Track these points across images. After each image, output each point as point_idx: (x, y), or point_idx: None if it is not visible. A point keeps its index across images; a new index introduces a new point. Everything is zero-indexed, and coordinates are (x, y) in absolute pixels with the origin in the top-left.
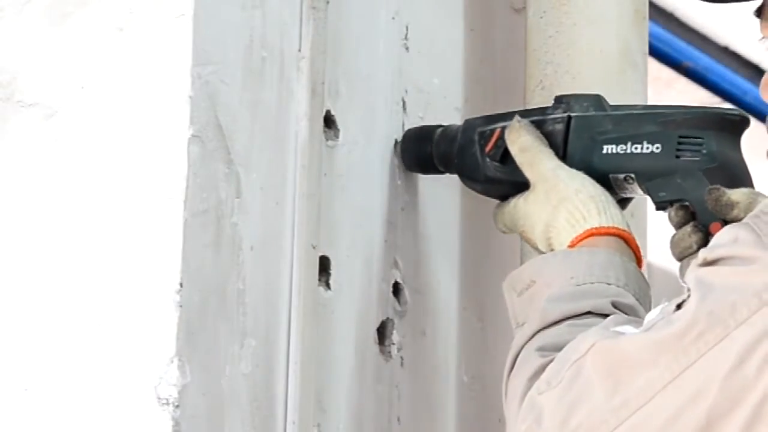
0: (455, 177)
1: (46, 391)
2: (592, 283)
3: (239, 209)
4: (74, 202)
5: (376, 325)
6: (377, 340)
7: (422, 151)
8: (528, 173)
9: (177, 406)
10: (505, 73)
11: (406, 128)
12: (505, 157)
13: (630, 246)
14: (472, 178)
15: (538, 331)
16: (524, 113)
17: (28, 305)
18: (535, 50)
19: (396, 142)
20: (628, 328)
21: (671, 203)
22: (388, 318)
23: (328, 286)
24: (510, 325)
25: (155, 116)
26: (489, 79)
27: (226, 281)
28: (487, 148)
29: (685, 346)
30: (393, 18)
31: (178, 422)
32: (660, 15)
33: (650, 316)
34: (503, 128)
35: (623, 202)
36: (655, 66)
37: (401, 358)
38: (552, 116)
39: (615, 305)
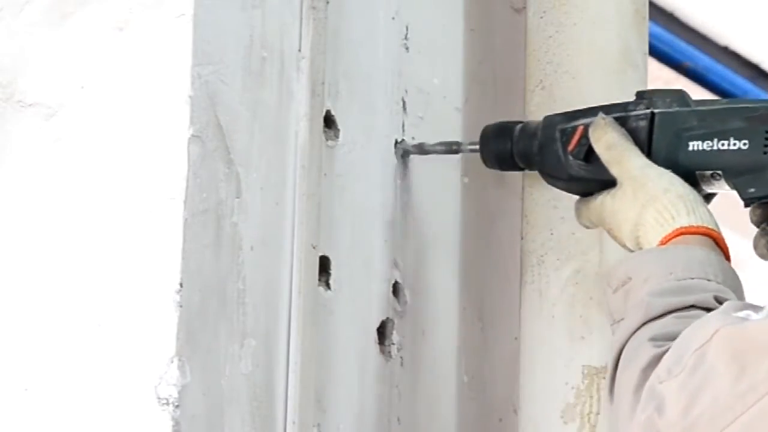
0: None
1: (46, 391)
2: (692, 278)
3: (239, 209)
4: (74, 202)
5: (376, 325)
6: (377, 340)
7: (502, 148)
8: (615, 171)
9: (177, 406)
10: (505, 73)
11: (407, 128)
12: (589, 155)
13: (719, 245)
14: (554, 176)
15: (643, 325)
16: (606, 109)
17: (28, 305)
18: (535, 50)
19: (396, 141)
20: (749, 314)
21: (760, 199)
22: (388, 318)
23: (328, 286)
24: (509, 326)
25: (155, 116)
26: (489, 79)
27: (226, 281)
28: (570, 147)
29: None
30: (393, 18)
31: (178, 422)
32: (660, 15)
33: None
34: (586, 126)
35: (707, 198)
36: (655, 66)
37: (401, 358)
38: (635, 113)
39: (717, 300)
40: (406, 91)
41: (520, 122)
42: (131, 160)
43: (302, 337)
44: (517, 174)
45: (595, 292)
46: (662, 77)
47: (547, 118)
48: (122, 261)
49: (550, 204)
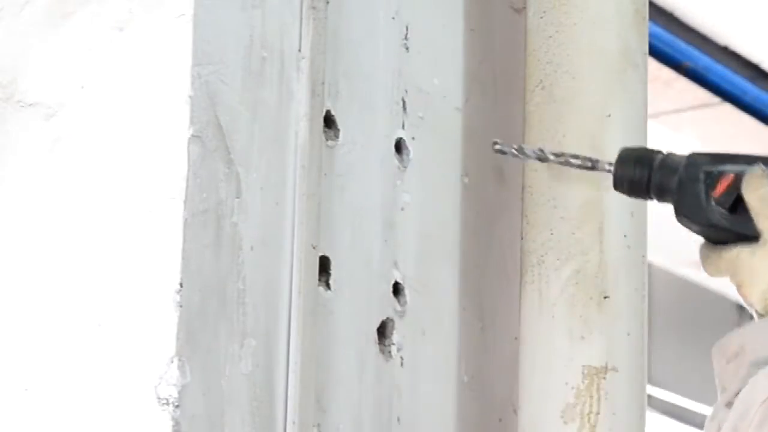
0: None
1: (46, 391)
2: None
3: (239, 209)
4: (74, 202)
5: (376, 325)
6: (377, 340)
7: (639, 176)
8: (763, 226)
9: (177, 406)
10: (505, 73)
11: (407, 128)
12: (734, 205)
13: None
14: (691, 218)
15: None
16: (765, 161)
17: (28, 305)
18: (535, 50)
19: (400, 140)
20: None
21: None
22: (388, 318)
23: (328, 286)
24: (509, 326)
25: (155, 116)
26: (489, 79)
27: (226, 281)
28: (716, 193)
29: None
30: (393, 18)
31: (178, 422)
32: (660, 15)
33: None
34: (737, 175)
35: None
36: (655, 66)
37: (401, 358)
38: None
39: None
40: (406, 91)
41: (660, 152)
42: (131, 160)
43: (302, 337)
44: (518, 174)
45: (595, 292)
46: (662, 77)
47: (692, 155)
48: (122, 261)
49: (550, 204)
